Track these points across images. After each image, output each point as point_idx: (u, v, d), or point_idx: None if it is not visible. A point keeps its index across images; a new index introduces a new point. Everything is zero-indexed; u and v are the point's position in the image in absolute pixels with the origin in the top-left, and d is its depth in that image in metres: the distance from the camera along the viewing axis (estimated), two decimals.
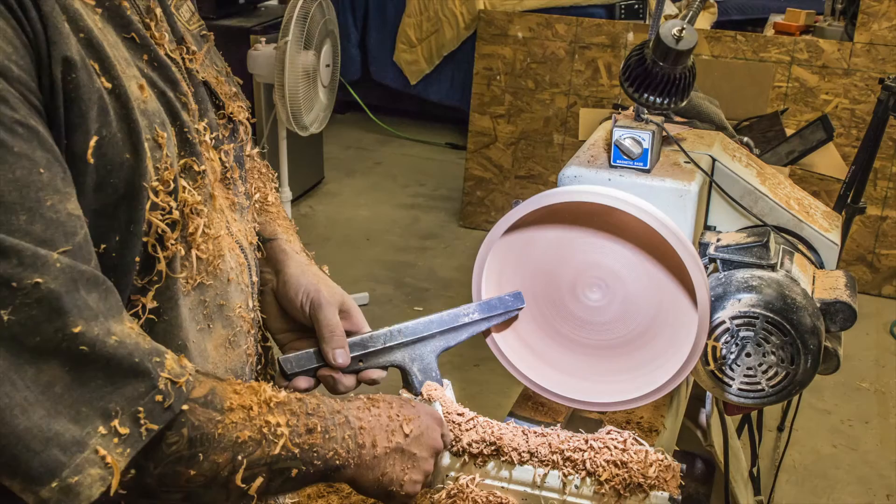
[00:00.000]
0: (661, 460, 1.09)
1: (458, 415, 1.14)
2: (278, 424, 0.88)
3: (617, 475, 1.08)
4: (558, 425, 1.18)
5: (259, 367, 1.11)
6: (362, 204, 5.02)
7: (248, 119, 1.10)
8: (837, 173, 3.32)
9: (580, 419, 1.37)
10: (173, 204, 0.85)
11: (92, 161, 0.78)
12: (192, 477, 0.82)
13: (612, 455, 1.09)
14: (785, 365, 1.26)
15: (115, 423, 0.74)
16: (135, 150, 0.81)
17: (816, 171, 3.25)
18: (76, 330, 0.72)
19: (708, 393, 1.72)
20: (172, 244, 0.87)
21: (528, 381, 1.30)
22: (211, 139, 0.98)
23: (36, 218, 0.71)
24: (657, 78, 1.08)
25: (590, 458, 1.10)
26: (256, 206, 1.19)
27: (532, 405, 1.38)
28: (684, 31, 1.01)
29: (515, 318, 1.29)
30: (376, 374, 1.15)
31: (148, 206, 0.83)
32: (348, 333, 1.14)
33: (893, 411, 3.48)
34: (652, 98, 1.09)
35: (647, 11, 5.15)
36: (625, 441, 1.12)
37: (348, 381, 1.13)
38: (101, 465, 0.73)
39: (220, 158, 1.01)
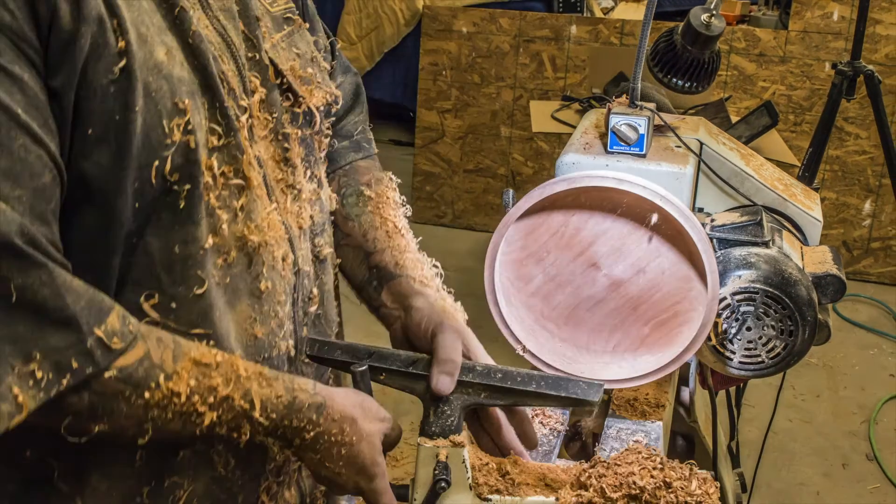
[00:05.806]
0: (701, 476, 1.07)
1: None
2: (203, 414, 0.87)
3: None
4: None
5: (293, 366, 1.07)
6: None
7: (329, 105, 1.11)
8: (783, 157, 3.44)
9: None
10: (180, 160, 0.87)
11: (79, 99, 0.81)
12: (97, 430, 0.84)
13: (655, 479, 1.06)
14: (784, 337, 1.31)
15: (34, 366, 0.76)
16: (128, 105, 0.83)
17: (763, 155, 3.36)
18: (10, 277, 0.75)
19: (692, 370, 1.78)
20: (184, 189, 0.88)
21: (538, 360, 1.33)
22: (267, 118, 1.00)
23: (3, 154, 0.75)
24: (686, 62, 1.12)
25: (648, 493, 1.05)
26: (383, 230, 1.22)
27: None
28: (713, 18, 1.06)
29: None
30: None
31: (156, 164, 0.85)
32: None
33: (842, 384, 3.62)
34: (680, 82, 1.13)
35: (584, 4, 5.23)
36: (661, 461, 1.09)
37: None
38: (11, 402, 0.75)
39: (278, 139, 1.02)
